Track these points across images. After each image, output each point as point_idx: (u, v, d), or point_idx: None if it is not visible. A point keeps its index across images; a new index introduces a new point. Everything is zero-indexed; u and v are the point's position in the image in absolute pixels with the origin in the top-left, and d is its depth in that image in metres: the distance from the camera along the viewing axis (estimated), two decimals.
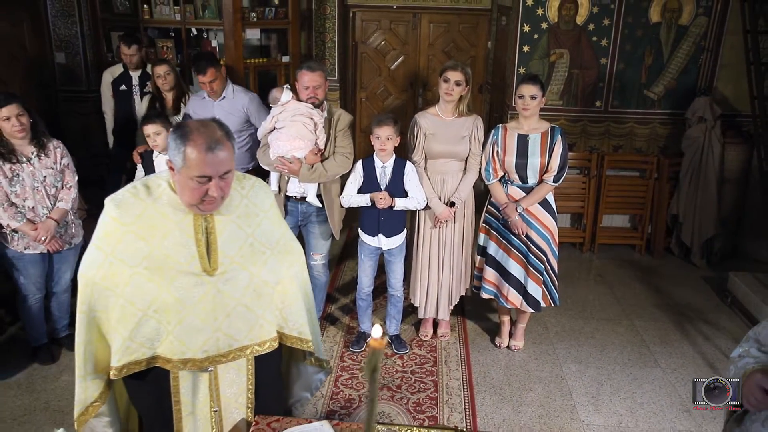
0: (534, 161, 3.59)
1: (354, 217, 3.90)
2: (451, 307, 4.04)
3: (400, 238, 3.71)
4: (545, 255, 3.70)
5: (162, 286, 1.86)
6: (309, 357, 2.25)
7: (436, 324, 4.14)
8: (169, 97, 4.53)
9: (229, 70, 4.39)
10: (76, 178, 3.52)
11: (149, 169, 3.67)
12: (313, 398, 2.48)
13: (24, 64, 4.91)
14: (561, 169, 3.60)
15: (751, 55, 4.90)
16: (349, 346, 3.93)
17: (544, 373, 3.78)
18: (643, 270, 5.26)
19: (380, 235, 3.65)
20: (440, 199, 3.71)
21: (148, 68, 4.82)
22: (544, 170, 3.61)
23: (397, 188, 3.58)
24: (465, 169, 3.74)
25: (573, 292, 4.80)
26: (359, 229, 3.75)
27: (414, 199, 3.59)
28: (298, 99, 3.57)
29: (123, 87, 4.92)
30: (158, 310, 1.87)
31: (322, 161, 3.55)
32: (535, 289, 3.72)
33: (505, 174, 3.69)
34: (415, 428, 1.96)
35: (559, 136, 3.59)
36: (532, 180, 3.64)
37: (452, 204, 3.70)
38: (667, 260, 5.47)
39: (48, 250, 3.44)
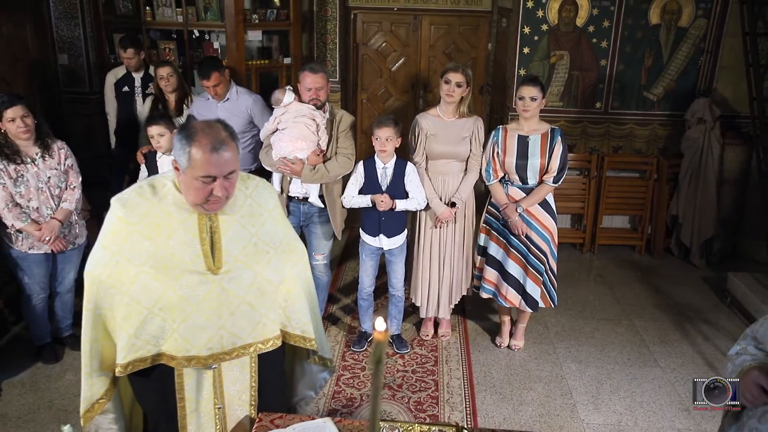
0: (534, 162, 3.62)
1: (355, 218, 3.93)
2: (452, 307, 4.07)
3: (401, 239, 3.74)
4: (545, 255, 3.72)
5: (167, 284, 1.88)
6: (313, 356, 2.27)
7: (436, 324, 4.16)
8: (171, 98, 4.56)
9: (231, 71, 4.41)
10: (80, 178, 3.55)
11: (152, 169, 3.70)
12: (315, 397, 2.50)
13: (27, 65, 4.94)
14: (561, 170, 3.62)
15: (750, 56, 4.92)
16: (351, 346, 3.96)
17: (545, 373, 3.80)
18: (642, 270, 5.28)
19: (381, 236, 3.68)
20: (441, 199, 3.74)
21: (151, 70, 4.85)
22: (544, 171, 3.63)
23: (398, 189, 3.61)
24: (465, 169, 3.77)
25: (573, 293, 4.82)
26: (360, 230, 3.77)
27: (414, 200, 3.62)
28: (301, 100, 3.60)
29: (125, 88, 4.95)
30: (163, 308, 1.89)
31: (324, 162, 3.58)
32: (533, 289, 3.75)
33: (505, 175, 3.72)
34: (416, 425, 1.98)
35: (559, 137, 3.62)
36: (532, 181, 3.66)
37: (453, 204, 3.72)
38: (666, 261, 5.49)
39: (52, 250, 3.47)
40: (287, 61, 5.56)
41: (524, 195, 3.67)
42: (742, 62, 5.02)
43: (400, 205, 3.60)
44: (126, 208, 1.91)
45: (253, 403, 2.10)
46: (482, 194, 4.20)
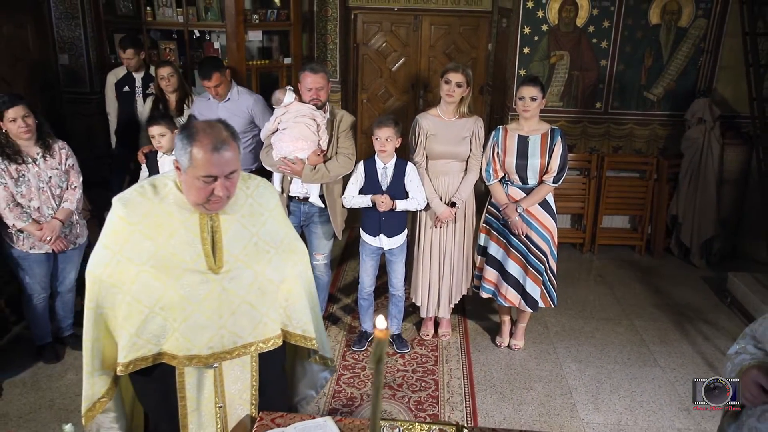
0: (534, 162, 3.62)
1: (356, 218, 3.93)
2: (452, 306, 4.07)
3: (401, 238, 3.74)
4: (545, 255, 3.73)
5: (168, 284, 1.89)
6: (314, 355, 2.28)
7: (437, 323, 4.17)
8: (172, 98, 4.56)
9: (232, 72, 4.42)
10: (81, 178, 3.55)
11: (153, 169, 3.70)
12: (316, 396, 2.51)
13: (28, 65, 4.94)
14: (561, 170, 3.63)
15: (750, 56, 4.92)
16: (351, 345, 3.96)
17: (545, 372, 3.81)
18: (642, 270, 5.28)
19: (381, 235, 3.68)
20: (441, 199, 3.74)
21: (152, 70, 4.86)
22: (544, 171, 3.64)
23: (398, 189, 3.62)
24: (466, 169, 3.77)
25: (573, 292, 4.82)
26: (361, 230, 3.78)
27: (414, 200, 3.62)
28: (301, 100, 3.61)
29: (126, 88, 4.96)
30: (164, 307, 1.90)
31: (324, 162, 3.59)
32: (533, 289, 3.75)
33: (505, 175, 3.73)
34: (417, 424, 1.99)
35: (559, 137, 3.63)
36: (532, 181, 3.67)
37: (453, 204, 3.73)
38: (666, 261, 5.50)
39: (53, 250, 3.48)
40: (287, 61, 5.56)
41: (524, 195, 3.68)
42: (742, 62, 5.02)
43: (400, 205, 3.60)
44: (127, 208, 1.92)
45: (254, 402, 2.11)
46: (482, 194, 4.21)
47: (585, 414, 3.44)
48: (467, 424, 3.29)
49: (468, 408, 3.46)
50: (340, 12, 6.04)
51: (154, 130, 3.61)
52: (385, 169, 3.61)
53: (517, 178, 3.68)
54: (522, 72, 5.31)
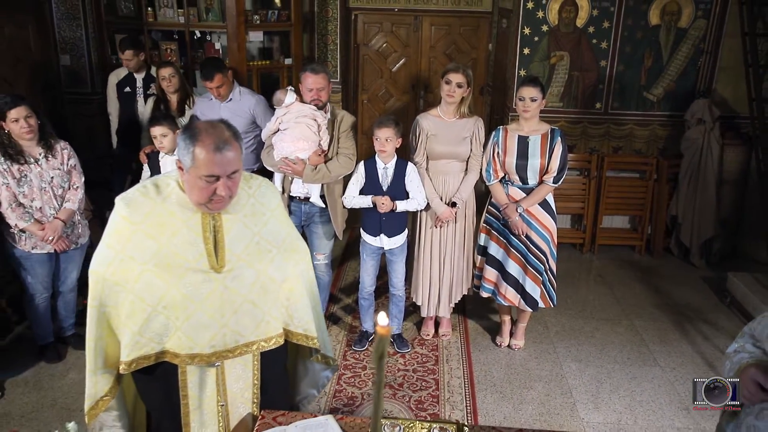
0: (534, 162, 3.64)
1: (356, 218, 3.94)
2: (452, 306, 4.08)
3: (401, 238, 3.75)
4: (545, 255, 3.74)
5: (171, 283, 1.90)
6: (315, 354, 2.29)
7: (437, 323, 4.18)
8: (173, 99, 4.58)
9: (233, 72, 4.43)
10: (83, 178, 3.56)
11: (155, 169, 3.72)
12: (318, 395, 2.52)
13: (29, 66, 4.96)
14: (561, 171, 3.64)
15: (749, 57, 4.93)
16: (352, 345, 3.98)
17: (545, 372, 3.82)
18: (642, 270, 5.29)
19: (382, 235, 3.70)
20: (441, 199, 3.75)
21: (153, 71, 4.87)
22: (544, 171, 3.65)
23: (398, 189, 3.63)
24: (466, 169, 3.79)
25: (573, 292, 4.84)
26: (361, 230, 3.79)
27: (414, 200, 3.63)
28: (302, 101, 3.62)
29: (127, 89, 4.97)
30: (167, 306, 1.91)
31: (325, 162, 3.60)
32: (533, 288, 3.76)
33: (505, 175, 3.74)
34: (417, 422, 2.00)
35: (559, 137, 3.64)
36: (532, 181, 3.68)
37: (453, 204, 3.74)
38: (666, 261, 5.51)
39: (55, 249, 3.49)
40: (288, 61, 5.58)
41: (524, 195, 3.69)
42: (742, 63, 5.03)
43: (401, 206, 3.62)
44: (130, 208, 1.93)
45: (255, 400, 2.12)
46: (482, 194, 4.22)
47: (585, 413, 3.45)
48: (467, 423, 3.29)
49: (468, 407, 3.47)
50: (341, 12, 6.06)
51: (156, 131, 3.62)
52: (386, 169, 3.63)
53: (518, 178, 3.69)
54: (522, 72, 5.32)
